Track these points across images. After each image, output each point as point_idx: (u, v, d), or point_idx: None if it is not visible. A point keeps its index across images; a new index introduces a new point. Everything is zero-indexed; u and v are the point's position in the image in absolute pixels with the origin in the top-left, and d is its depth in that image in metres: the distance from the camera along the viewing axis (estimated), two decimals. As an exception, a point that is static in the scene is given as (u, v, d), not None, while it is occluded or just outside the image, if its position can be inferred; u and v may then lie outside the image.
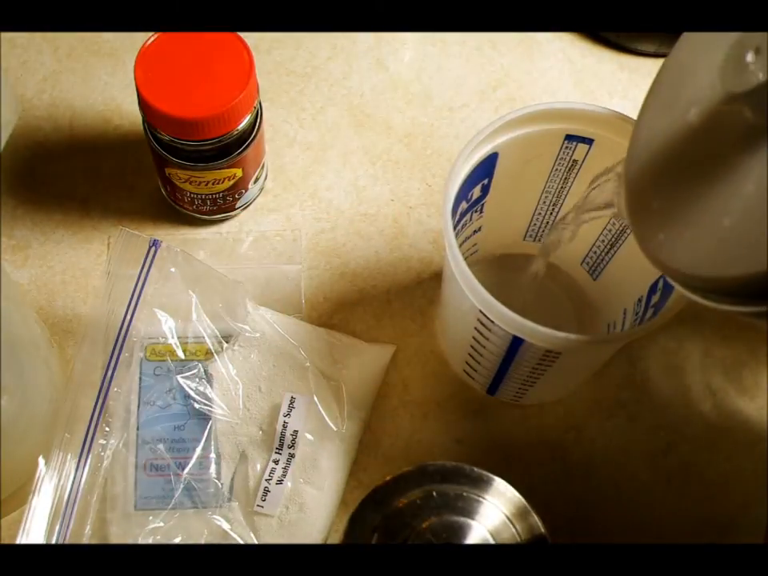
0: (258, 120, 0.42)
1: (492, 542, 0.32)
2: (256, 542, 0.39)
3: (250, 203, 0.46)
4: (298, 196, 0.47)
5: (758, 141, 0.25)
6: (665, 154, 0.29)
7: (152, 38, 0.40)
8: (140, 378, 0.40)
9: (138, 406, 0.40)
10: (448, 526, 0.32)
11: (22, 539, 0.37)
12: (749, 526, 0.41)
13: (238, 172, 0.43)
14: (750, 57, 0.25)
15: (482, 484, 0.33)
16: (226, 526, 0.39)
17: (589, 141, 0.37)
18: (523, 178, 0.40)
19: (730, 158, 0.26)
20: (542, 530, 0.32)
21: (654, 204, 0.29)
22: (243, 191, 0.45)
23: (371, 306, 0.45)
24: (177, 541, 0.38)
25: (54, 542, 0.37)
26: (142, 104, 0.39)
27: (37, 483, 0.37)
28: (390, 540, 0.32)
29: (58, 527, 0.37)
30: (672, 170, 0.29)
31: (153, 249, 0.40)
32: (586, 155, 0.38)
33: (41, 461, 0.37)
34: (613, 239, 0.41)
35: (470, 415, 0.43)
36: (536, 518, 0.33)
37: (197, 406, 0.40)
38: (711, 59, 0.27)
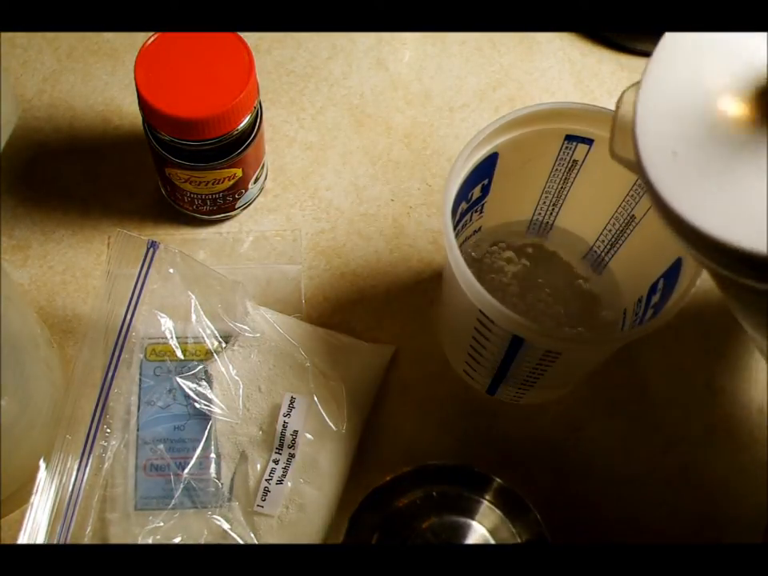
0: (258, 120, 0.42)
1: (492, 541, 0.32)
2: (256, 542, 0.39)
3: (250, 203, 0.46)
4: (298, 196, 0.47)
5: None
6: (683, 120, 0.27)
7: (152, 38, 0.40)
8: (140, 379, 0.40)
9: (139, 407, 0.40)
10: (448, 526, 0.32)
11: (23, 539, 0.37)
12: (749, 526, 0.41)
13: (238, 172, 0.43)
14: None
15: (481, 484, 0.33)
16: (225, 525, 0.39)
17: (589, 141, 0.37)
18: (523, 178, 0.40)
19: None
20: (542, 529, 0.32)
21: (681, 161, 0.26)
22: (243, 191, 0.45)
23: (371, 305, 0.45)
24: (177, 541, 0.38)
25: (55, 542, 0.37)
26: (142, 104, 0.39)
27: (38, 484, 0.37)
28: (390, 540, 0.32)
29: (59, 528, 0.37)
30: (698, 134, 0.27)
31: (151, 250, 0.40)
32: (586, 155, 0.38)
33: (41, 462, 0.38)
34: (613, 239, 0.41)
35: (470, 415, 0.43)
36: (536, 517, 0.33)
37: (197, 406, 0.40)
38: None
